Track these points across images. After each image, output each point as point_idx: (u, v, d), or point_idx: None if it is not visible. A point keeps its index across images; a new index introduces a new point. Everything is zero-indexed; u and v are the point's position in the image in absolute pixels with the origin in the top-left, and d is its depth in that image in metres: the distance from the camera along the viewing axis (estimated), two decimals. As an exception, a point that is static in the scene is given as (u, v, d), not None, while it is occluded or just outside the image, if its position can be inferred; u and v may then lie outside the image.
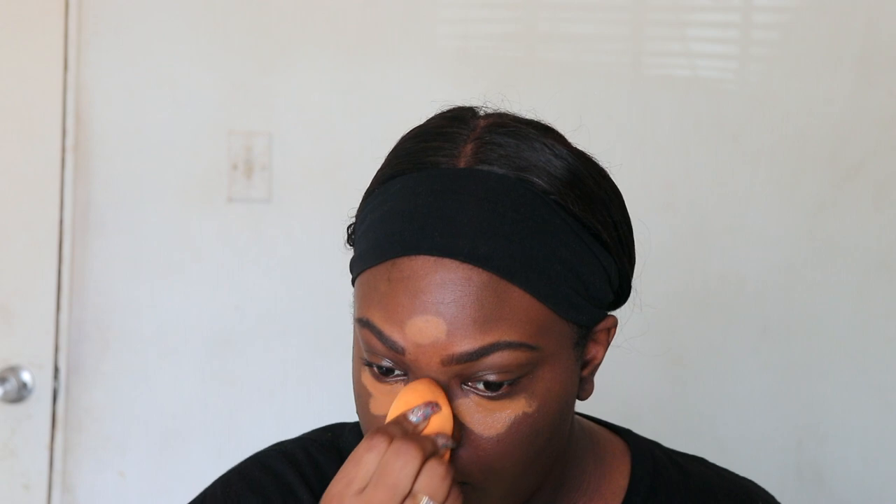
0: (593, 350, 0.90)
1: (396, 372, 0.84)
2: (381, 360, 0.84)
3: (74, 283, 2.15)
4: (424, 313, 0.81)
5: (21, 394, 2.13)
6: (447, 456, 0.81)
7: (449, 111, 0.91)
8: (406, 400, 0.81)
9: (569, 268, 0.84)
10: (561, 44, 2.11)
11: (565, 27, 2.13)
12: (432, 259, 0.81)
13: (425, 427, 0.81)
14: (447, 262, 0.81)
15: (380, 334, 0.82)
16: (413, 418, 0.81)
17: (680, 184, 2.05)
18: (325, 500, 0.81)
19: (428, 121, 0.91)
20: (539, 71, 2.09)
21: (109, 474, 2.15)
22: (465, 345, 0.81)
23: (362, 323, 0.84)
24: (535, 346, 0.82)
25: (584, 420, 1.00)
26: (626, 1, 2.11)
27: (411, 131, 0.91)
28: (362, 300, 0.85)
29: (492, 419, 0.82)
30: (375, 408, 0.85)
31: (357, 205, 0.92)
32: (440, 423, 0.81)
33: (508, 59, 2.10)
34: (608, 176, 0.91)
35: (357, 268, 0.87)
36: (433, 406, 0.81)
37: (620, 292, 0.92)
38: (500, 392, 0.82)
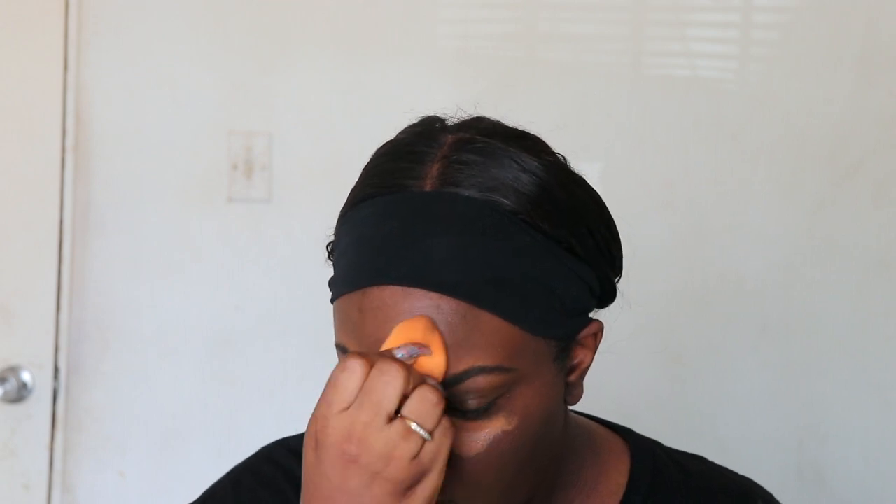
0: (580, 355, 0.89)
1: None
2: None
3: (74, 283, 2.15)
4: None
5: (21, 394, 2.13)
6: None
7: (418, 123, 0.91)
8: (397, 336, 0.81)
9: (542, 286, 0.83)
10: (561, 44, 2.11)
11: (565, 27, 2.13)
12: (401, 289, 0.81)
13: (412, 364, 0.80)
14: (415, 291, 0.81)
15: None
16: (398, 354, 0.80)
17: (679, 183, 2.05)
18: (311, 422, 0.80)
19: (399, 135, 0.90)
20: (539, 71, 2.09)
21: (109, 474, 2.15)
22: None
23: (340, 348, 0.85)
24: (509, 367, 0.82)
25: (583, 419, 1.00)
26: (626, 1, 2.11)
27: (383, 146, 0.90)
28: (338, 326, 0.86)
29: (471, 439, 0.82)
30: None
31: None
32: (429, 367, 0.80)
33: (508, 59, 2.10)
34: (584, 183, 0.89)
35: (333, 292, 0.87)
36: (421, 347, 0.80)
37: (604, 296, 0.91)
38: (476, 414, 0.82)
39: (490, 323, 0.81)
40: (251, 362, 2.13)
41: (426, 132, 0.88)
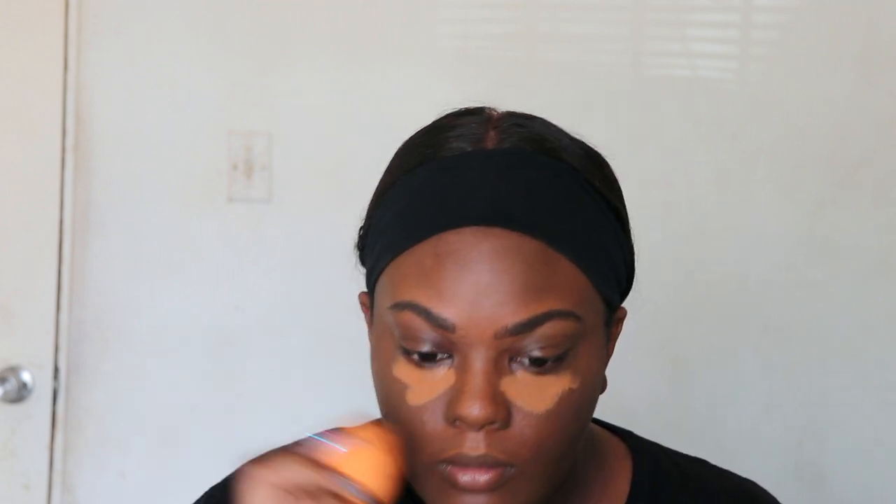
0: (613, 336, 0.90)
1: (439, 356, 0.81)
2: (421, 345, 0.80)
3: (74, 283, 2.15)
4: (476, 284, 0.79)
5: (21, 394, 2.13)
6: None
7: (455, 111, 0.90)
8: (355, 460, 0.77)
9: (600, 243, 0.84)
10: (561, 44, 2.11)
11: (565, 27, 2.13)
12: (480, 229, 0.79)
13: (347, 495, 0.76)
14: (496, 230, 0.79)
15: (427, 313, 0.79)
16: (342, 484, 0.77)
17: (680, 183, 2.05)
18: None
19: (436, 119, 0.90)
20: (539, 71, 2.09)
21: (109, 474, 2.15)
22: (520, 315, 0.79)
23: (402, 306, 0.81)
24: (581, 316, 0.81)
25: None
26: (626, 1, 2.11)
27: (421, 129, 0.89)
28: (400, 284, 0.81)
29: (540, 395, 0.80)
30: (413, 398, 0.81)
31: (359, 206, 0.90)
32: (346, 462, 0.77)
33: (508, 59, 2.10)
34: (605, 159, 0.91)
35: (387, 256, 0.83)
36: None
37: (627, 285, 0.91)
38: (546, 367, 0.80)
39: (566, 268, 0.81)
40: (251, 362, 2.13)
41: (469, 112, 0.88)
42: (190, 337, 2.14)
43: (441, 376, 0.81)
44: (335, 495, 0.76)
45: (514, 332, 0.79)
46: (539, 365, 0.80)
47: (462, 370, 0.80)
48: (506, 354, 0.80)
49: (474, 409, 0.78)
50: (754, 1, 2.09)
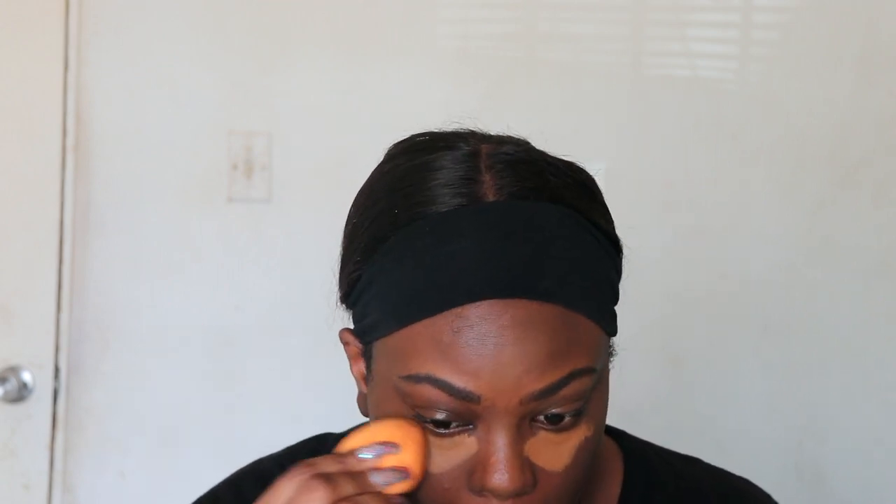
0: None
1: (454, 424, 0.79)
2: (439, 414, 0.79)
3: (74, 283, 2.15)
4: (500, 356, 0.77)
5: (21, 394, 2.13)
6: (396, 489, 0.79)
7: (436, 135, 0.87)
8: (366, 436, 0.79)
9: (608, 283, 0.84)
10: (561, 44, 2.11)
11: (565, 27, 2.13)
12: (500, 301, 0.78)
13: (376, 463, 0.79)
14: (515, 301, 0.78)
15: (448, 387, 0.78)
16: (362, 454, 0.79)
17: (680, 183, 2.05)
18: None
19: (416, 145, 0.87)
20: (539, 71, 2.09)
21: (109, 474, 2.15)
22: (545, 379, 0.78)
23: (418, 379, 0.79)
24: (596, 368, 0.81)
25: None
26: (626, 1, 2.11)
27: (400, 160, 0.86)
28: (413, 356, 0.79)
29: (559, 452, 0.80)
30: (432, 465, 0.81)
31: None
32: (396, 461, 0.79)
33: (508, 59, 2.10)
34: (590, 175, 0.89)
35: (391, 325, 0.81)
36: (389, 446, 0.78)
37: None
38: (565, 423, 0.80)
39: (584, 325, 0.80)
40: (251, 362, 2.13)
41: (451, 140, 0.85)
42: (190, 337, 2.14)
43: (461, 443, 0.80)
44: (365, 482, 0.78)
45: (538, 397, 0.78)
46: (558, 422, 0.80)
47: (486, 440, 0.79)
48: (528, 416, 0.79)
49: (504, 481, 0.78)
50: (754, 1, 2.09)
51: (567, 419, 0.80)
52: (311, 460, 0.79)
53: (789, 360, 2.03)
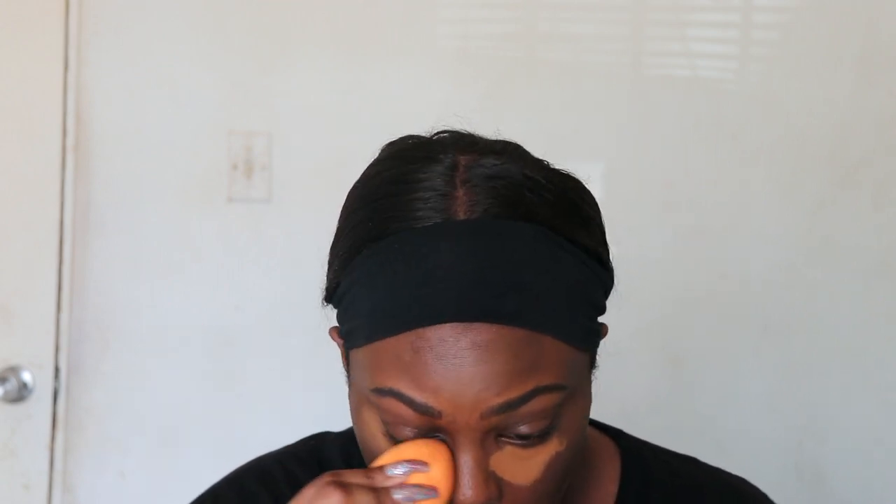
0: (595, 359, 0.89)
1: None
2: (406, 431, 0.81)
3: (74, 283, 2.15)
4: (459, 374, 0.78)
5: (21, 394, 2.13)
6: None
7: (422, 141, 0.87)
8: (398, 452, 0.80)
9: (584, 299, 0.83)
10: (561, 44, 2.11)
11: (565, 27, 2.13)
12: (461, 325, 0.78)
13: (403, 480, 0.79)
14: (478, 325, 0.78)
15: (410, 401, 0.79)
16: (389, 471, 0.79)
17: (680, 183, 2.05)
18: None
19: (390, 162, 0.87)
20: (539, 71, 2.09)
21: (109, 474, 2.15)
22: (505, 395, 0.78)
23: (383, 392, 0.80)
24: (566, 384, 0.81)
25: None
26: (626, 1, 2.11)
27: (385, 174, 0.86)
28: (378, 371, 0.81)
29: (527, 466, 0.81)
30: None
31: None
32: (424, 479, 0.79)
33: (508, 59, 2.10)
34: (579, 181, 0.88)
35: (360, 339, 0.83)
36: (419, 464, 0.79)
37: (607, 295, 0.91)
38: (532, 439, 0.80)
39: (551, 345, 0.80)
40: (251, 362, 2.13)
41: (428, 157, 0.85)
42: (190, 337, 2.14)
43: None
44: (385, 499, 0.79)
45: (499, 411, 0.79)
46: (526, 438, 0.80)
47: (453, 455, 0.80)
48: (493, 432, 0.80)
49: (469, 497, 0.79)
50: (754, 1, 2.09)
51: (535, 437, 0.80)
52: (340, 471, 0.80)
53: (789, 360, 2.03)
